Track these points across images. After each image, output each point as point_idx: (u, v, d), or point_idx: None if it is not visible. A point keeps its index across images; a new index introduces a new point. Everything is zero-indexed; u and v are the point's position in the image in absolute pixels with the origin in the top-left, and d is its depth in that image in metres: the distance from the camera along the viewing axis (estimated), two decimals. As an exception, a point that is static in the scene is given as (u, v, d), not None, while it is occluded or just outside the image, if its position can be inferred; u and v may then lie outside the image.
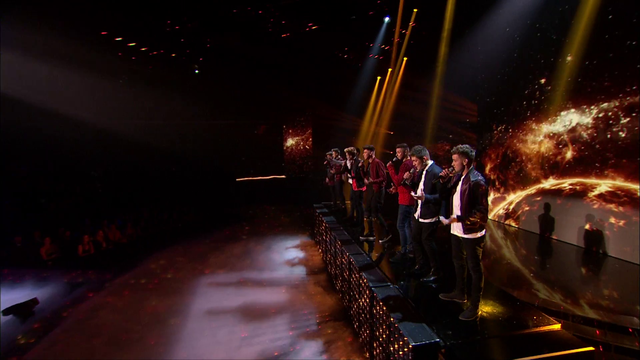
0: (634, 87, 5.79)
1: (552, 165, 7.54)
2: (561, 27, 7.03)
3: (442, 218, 3.04)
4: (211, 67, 13.24)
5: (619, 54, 5.98)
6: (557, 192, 7.35)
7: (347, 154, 6.29)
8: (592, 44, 6.43)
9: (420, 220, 3.76)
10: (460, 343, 2.57)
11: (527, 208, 8.25)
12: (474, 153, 2.91)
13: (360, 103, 14.41)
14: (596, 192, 6.58)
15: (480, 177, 2.87)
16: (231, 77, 13.62)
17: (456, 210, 2.99)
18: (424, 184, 3.72)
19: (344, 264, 5.09)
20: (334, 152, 8.10)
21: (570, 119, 7.08)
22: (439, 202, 3.62)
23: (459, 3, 8.30)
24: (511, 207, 8.77)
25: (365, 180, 5.39)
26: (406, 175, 3.96)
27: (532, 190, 8.06)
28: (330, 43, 11.34)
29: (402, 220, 4.50)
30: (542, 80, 7.71)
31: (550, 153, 7.58)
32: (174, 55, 12.04)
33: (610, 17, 6.06)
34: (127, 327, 4.97)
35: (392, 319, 3.01)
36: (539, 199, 7.84)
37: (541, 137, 7.80)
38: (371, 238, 5.60)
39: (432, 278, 3.77)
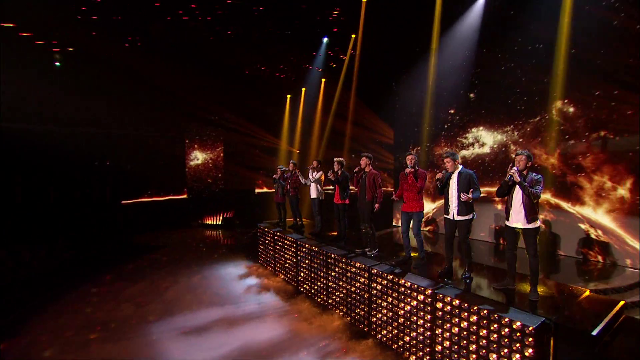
0: (519, 122, 8.29)
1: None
2: (465, 68, 9.31)
3: (513, 170, 3.57)
4: (91, 60, 10.60)
5: (509, 96, 8.43)
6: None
7: (336, 163, 6.26)
8: (489, 86, 8.80)
9: (458, 218, 4.23)
10: (556, 319, 3.07)
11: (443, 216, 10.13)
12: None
13: (275, 121, 14.47)
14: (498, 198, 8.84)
15: (537, 174, 3.60)
16: (119, 74, 11.28)
17: (518, 205, 3.60)
18: (458, 184, 4.24)
19: (361, 282, 4.97)
20: (291, 165, 7.91)
21: (475, 141, 9.33)
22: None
23: (392, 41, 9.77)
24: (429, 215, 10.60)
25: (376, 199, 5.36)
26: (439, 175, 4.40)
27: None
28: (256, 55, 11.10)
29: (418, 227, 4.88)
30: (452, 111, 9.90)
31: (475, 160, 9.64)
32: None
33: (502, 68, 8.47)
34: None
35: (485, 312, 3.26)
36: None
37: (464, 152, 9.88)
38: (367, 249, 5.71)
39: (468, 274, 4.25)
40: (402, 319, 4.19)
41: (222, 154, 13.64)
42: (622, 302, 3.40)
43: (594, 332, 2.77)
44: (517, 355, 2.99)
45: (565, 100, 7.34)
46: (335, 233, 7.52)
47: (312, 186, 7.23)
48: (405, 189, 4.88)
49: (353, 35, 9.81)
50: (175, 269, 8.40)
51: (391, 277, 4.40)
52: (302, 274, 6.57)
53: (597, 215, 6.98)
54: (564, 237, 7.49)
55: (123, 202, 12.74)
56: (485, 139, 9.08)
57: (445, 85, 9.75)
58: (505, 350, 3.09)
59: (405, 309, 4.18)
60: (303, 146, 14.32)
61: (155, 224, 12.83)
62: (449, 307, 3.64)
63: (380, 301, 4.59)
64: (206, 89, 12.50)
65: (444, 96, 9.89)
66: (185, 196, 14.12)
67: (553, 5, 7.10)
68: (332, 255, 5.61)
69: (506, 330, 3.09)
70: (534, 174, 3.60)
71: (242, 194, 14.31)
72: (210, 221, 13.77)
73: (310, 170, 7.24)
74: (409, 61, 10.18)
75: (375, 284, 4.68)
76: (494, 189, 8.85)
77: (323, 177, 7.25)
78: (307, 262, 6.37)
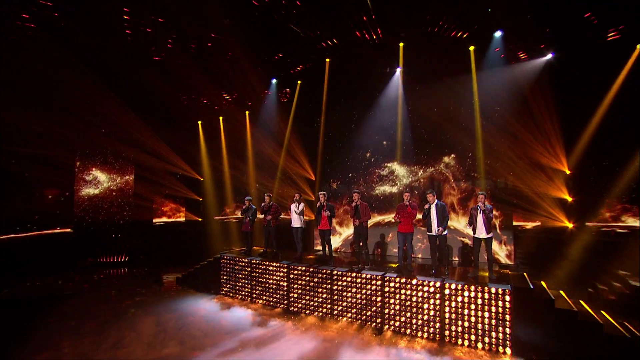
0: (422, 166, 12.16)
1: (384, 207, 12.80)
2: (379, 117, 12.70)
3: (480, 203, 6.45)
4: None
5: (416, 147, 12.22)
6: (387, 224, 12.56)
7: (321, 196, 7.94)
8: (401, 138, 12.44)
9: (438, 234, 6.76)
10: (514, 285, 5.88)
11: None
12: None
13: (190, 147, 14.40)
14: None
15: (490, 205, 6.55)
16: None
17: (481, 224, 6.42)
18: (437, 212, 6.82)
19: (377, 292, 6.79)
20: (267, 198, 8.94)
21: (388, 180, 12.74)
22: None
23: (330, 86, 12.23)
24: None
25: (356, 222, 7.46)
26: (426, 206, 6.89)
27: (370, 222, 12.91)
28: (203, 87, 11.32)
29: (411, 243, 7.22)
30: (367, 154, 13.11)
31: (383, 198, 12.82)
32: None
33: (411, 124, 12.24)
34: None
35: (480, 287, 5.79)
36: (376, 229, 12.80)
37: (378, 189, 12.95)
38: (359, 265, 7.57)
39: (447, 271, 6.82)
40: (429, 308, 6.31)
41: (132, 179, 12.44)
42: (525, 273, 6.67)
43: (531, 287, 5.71)
44: (500, 309, 5.62)
45: (452, 155, 11.57)
46: (312, 256, 9.00)
47: (296, 217, 8.51)
48: (402, 216, 7.16)
49: (299, 82, 11.76)
50: (123, 316, 7.65)
51: (404, 280, 6.51)
52: (302, 301, 7.68)
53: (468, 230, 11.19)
54: (455, 247, 11.44)
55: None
56: (396, 178, 12.59)
57: (365, 132, 12.86)
58: (493, 307, 5.67)
59: (419, 294, 6.35)
60: (224, 176, 14.63)
61: (28, 267, 10.39)
62: (454, 290, 6.03)
63: (385, 305, 6.56)
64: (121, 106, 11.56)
65: (362, 142, 12.95)
66: (69, 230, 11.92)
67: (452, 83, 11.09)
68: (358, 274, 7.16)
69: (493, 295, 5.70)
70: (488, 205, 6.58)
71: (146, 226, 13.25)
72: (108, 259, 12.07)
73: (294, 203, 8.54)
74: (337, 111, 12.96)
75: (388, 290, 6.63)
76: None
77: (305, 208, 8.69)
78: (309, 289, 7.57)
